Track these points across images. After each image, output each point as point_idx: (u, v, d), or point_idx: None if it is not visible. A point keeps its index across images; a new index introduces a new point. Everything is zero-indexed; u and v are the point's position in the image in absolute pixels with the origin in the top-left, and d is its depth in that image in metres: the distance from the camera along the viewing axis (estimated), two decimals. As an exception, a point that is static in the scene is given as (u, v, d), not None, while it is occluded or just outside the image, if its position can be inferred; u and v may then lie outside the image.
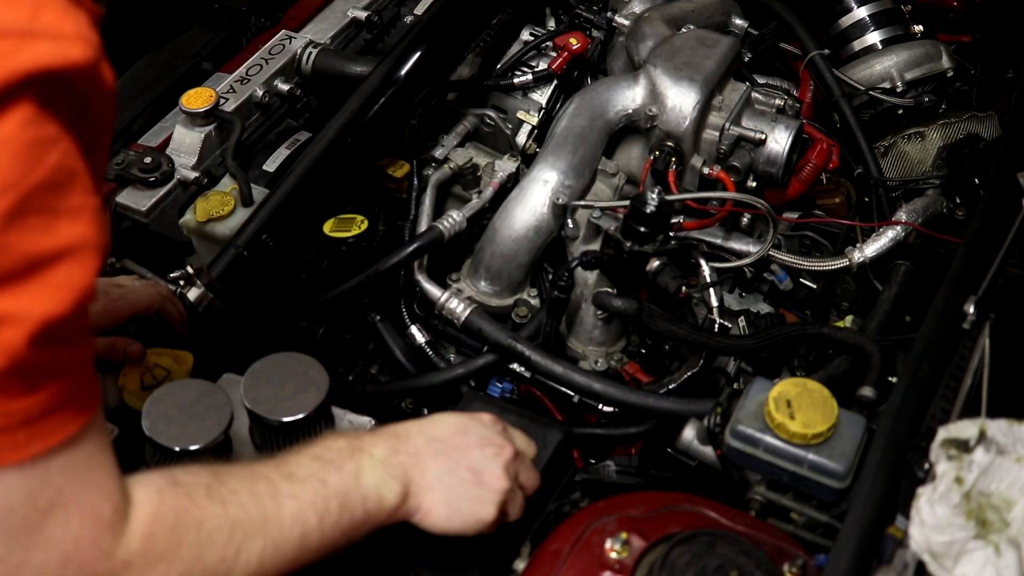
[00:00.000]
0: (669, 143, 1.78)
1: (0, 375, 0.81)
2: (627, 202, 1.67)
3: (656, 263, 1.73)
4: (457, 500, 1.14)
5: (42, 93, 0.80)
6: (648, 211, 1.63)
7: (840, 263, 1.78)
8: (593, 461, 1.63)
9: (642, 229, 1.65)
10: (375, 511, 1.08)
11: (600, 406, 1.67)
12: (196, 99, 1.79)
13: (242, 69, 1.95)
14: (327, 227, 1.73)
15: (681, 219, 1.72)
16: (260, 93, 1.91)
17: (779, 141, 1.79)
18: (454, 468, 1.14)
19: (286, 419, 1.34)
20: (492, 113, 1.96)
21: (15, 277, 0.80)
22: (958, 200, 1.91)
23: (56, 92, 0.81)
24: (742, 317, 1.76)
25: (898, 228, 1.79)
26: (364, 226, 1.72)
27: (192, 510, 0.96)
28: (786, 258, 1.80)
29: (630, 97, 1.82)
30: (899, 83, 2.09)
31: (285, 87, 1.95)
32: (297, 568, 1.04)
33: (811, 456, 1.27)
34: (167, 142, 1.82)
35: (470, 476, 1.14)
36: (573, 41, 1.97)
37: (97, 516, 0.89)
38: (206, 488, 0.98)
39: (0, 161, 0.78)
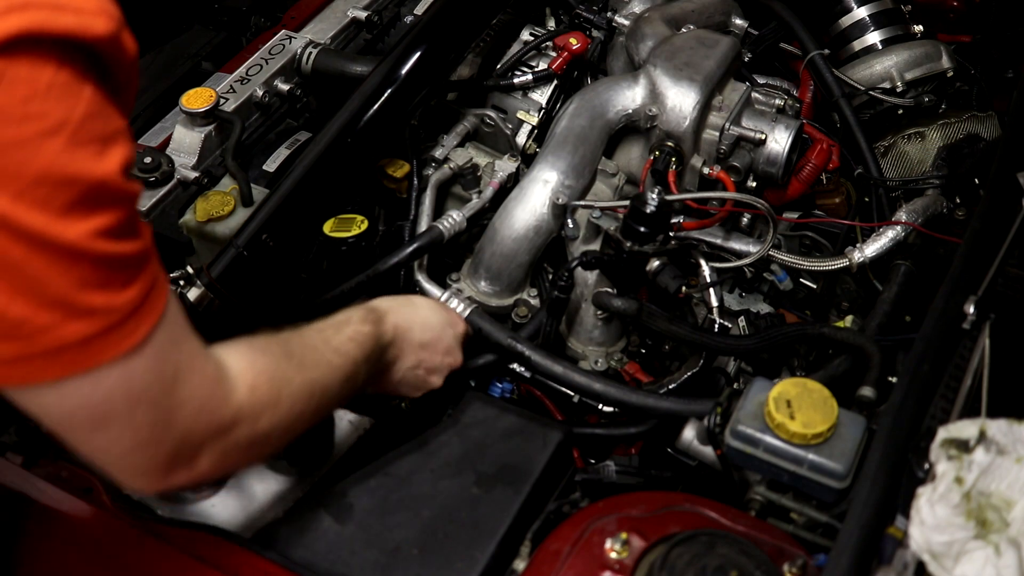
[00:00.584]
0: (669, 143, 1.78)
1: (106, 275, 0.93)
2: (627, 202, 1.67)
3: (656, 263, 1.73)
4: (404, 385, 1.47)
5: (67, 50, 0.90)
6: (648, 211, 1.63)
7: (840, 263, 1.78)
8: (593, 461, 1.63)
9: (642, 229, 1.65)
10: (364, 384, 1.34)
11: (600, 406, 1.67)
12: (196, 99, 1.80)
13: (242, 69, 1.95)
14: (327, 227, 1.73)
15: (681, 219, 1.72)
16: (260, 93, 1.91)
17: (779, 141, 1.79)
18: (416, 366, 1.46)
19: (286, 419, 1.35)
20: (492, 113, 1.96)
21: (89, 200, 0.91)
22: (958, 200, 1.91)
23: (78, 52, 0.91)
24: (742, 317, 1.76)
25: (898, 228, 1.79)
26: (364, 226, 1.73)
27: (281, 370, 1.16)
28: (786, 258, 1.80)
29: (630, 97, 1.82)
30: (899, 83, 2.09)
31: (285, 87, 1.95)
32: None
33: (811, 456, 1.27)
34: (167, 142, 1.82)
35: (424, 374, 1.48)
36: (573, 41, 1.97)
37: (208, 374, 1.06)
38: (285, 356, 1.18)
39: (50, 102, 0.88)
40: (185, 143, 1.80)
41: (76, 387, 0.95)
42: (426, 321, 1.49)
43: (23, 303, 0.89)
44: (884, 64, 2.11)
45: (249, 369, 1.11)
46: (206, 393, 1.04)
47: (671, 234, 1.69)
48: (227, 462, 1.10)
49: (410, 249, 1.71)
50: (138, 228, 0.97)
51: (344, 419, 1.46)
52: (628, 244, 1.67)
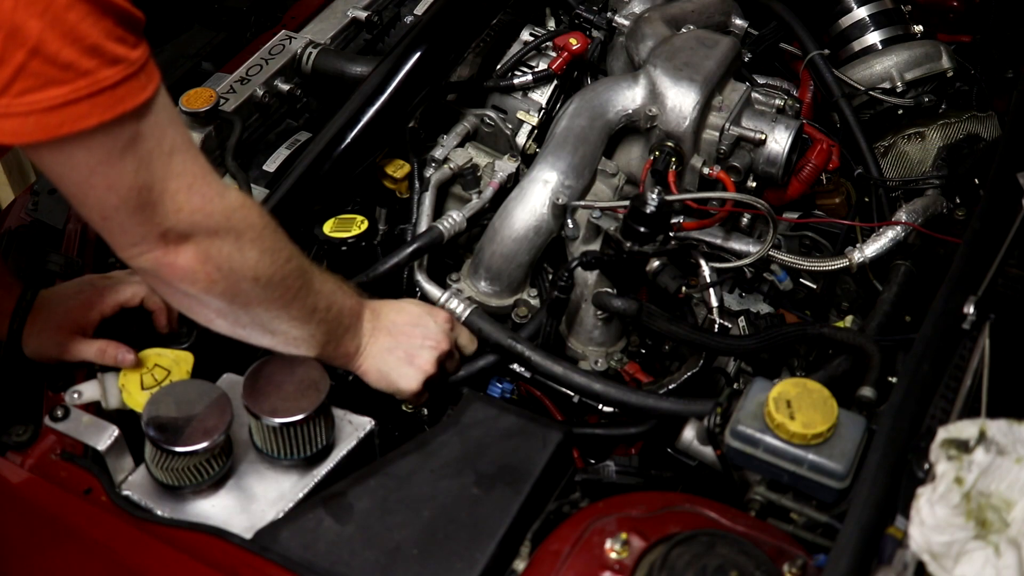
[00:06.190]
0: (669, 143, 1.78)
1: (123, 31, 1.08)
2: (627, 202, 1.67)
3: (656, 263, 1.73)
4: (388, 370, 1.51)
5: None
6: (648, 211, 1.63)
7: (840, 263, 1.78)
8: (593, 461, 1.63)
9: (642, 229, 1.65)
10: (336, 343, 1.44)
11: (600, 406, 1.67)
12: (196, 99, 1.80)
13: (242, 69, 1.95)
14: (327, 227, 1.73)
15: (681, 219, 1.72)
16: (260, 93, 1.91)
17: (779, 141, 1.79)
18: (394, 348, 1.51)
19: (286, 420, 1.35)
20: (492, 113, 1.96)
21: None
22: (958, 200, 1.91)
23: None
24: (742, 317, 1.76)
25: (898, 228, 1.79)
26: (364, 226, 1.73)
27: (271, 223, 1.30)
28: (786, 258, 1.80)
29: (630, 97, 1.82)
30: (899, 83, 2.09)
31: (285, 87, 1.95)
32: (286, 349, 1.40)
33: (811, 456, 1.27)
34: (167, 142, 1.82)
35: (404, 356, 1.52)
36: (573, 41, 1.97)
37: (203, 165, 1.20)
38: (277, 226, 1.31)
39: None
40: (185, 143, 1.80)
41: (100, 140, 1.09)
42: (403, 307, 1.57)
43: (71, 49, 1.04)
44: (884, 64, 2.11)
45: (244, 195, 1.28)
46: (198, 175, 1.18)
47: (671, 234, 1.69)
48: (208, 267, 1.22)
49: (410, 249, 1.71)
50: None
51: (344, 419, 1.46)
52: (628, 244, 1.66)
